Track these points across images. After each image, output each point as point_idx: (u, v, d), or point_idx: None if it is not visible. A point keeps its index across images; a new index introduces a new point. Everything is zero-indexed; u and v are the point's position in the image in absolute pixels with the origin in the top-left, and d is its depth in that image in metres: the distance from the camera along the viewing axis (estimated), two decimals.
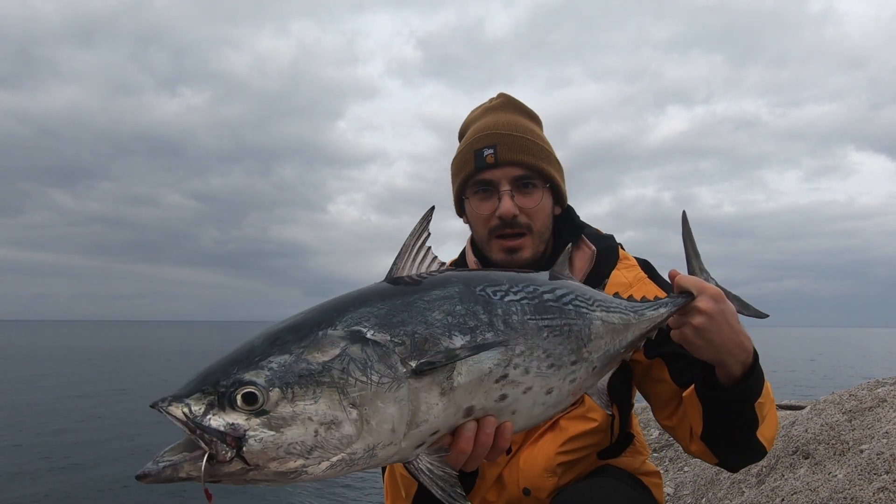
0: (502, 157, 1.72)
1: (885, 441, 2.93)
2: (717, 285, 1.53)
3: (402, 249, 1.22)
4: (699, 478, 4.05)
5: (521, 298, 1.24)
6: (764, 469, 3.46)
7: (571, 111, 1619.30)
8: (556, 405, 1.29)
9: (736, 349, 1.43)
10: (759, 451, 1.58)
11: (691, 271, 1.66)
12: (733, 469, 1.70)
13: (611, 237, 1.90)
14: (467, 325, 1.13)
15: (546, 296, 1.28)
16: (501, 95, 1.91)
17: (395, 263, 1.22)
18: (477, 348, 1.10)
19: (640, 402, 1.97)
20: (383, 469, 1.73)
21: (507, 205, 1.70)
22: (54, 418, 15.37)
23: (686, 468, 4.48)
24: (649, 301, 1.51)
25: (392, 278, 1.21)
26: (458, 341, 1.10)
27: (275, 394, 0.95)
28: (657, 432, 5.37)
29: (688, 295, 1.45)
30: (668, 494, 4.13)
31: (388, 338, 1.05)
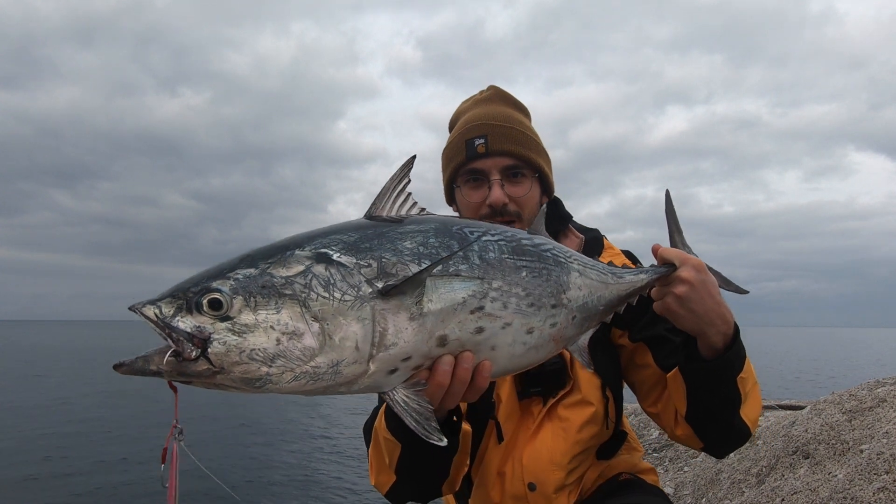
0: (493, 147, 1.76)
1: (885, 441, 2.93)
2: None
3: (381, 191, 1.24)
4: (699, 478, 4.05)
5: (499, 240, 1.26)
6: (764, 469, 3.46)
7: (571, 111, 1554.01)
8: (537, 347, 1.30)
9: (717, 320, 1.45)
10: (742, 432, 1.59)
11: (674, 246, 1.69)
12: (719, 454, 1.73)
13: (596, 230, 1.94)
14: (439, 255, 1.15)
15: (524, 241, 1.32)
16: (491, 88, 1.94)
17: (373, 203, 1.24)
18: (438, 263, 1.12)
19: (634, 403, 1.97)
20: (367, 436, 1.70)
21: (497, 193, 1.74)
22: (55, 419, 15.37)
23: (686, 468, 4.48)
24: (630, 267, 1.55)
25: (369, 216, 1.23)
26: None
27: (238, 301, 1.02)
28: (657, 432, 5.37)
29: (670, 265, 1.48)
30: (669, 494, 4.13)
31: (354, 260, 1.09)
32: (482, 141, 1.77)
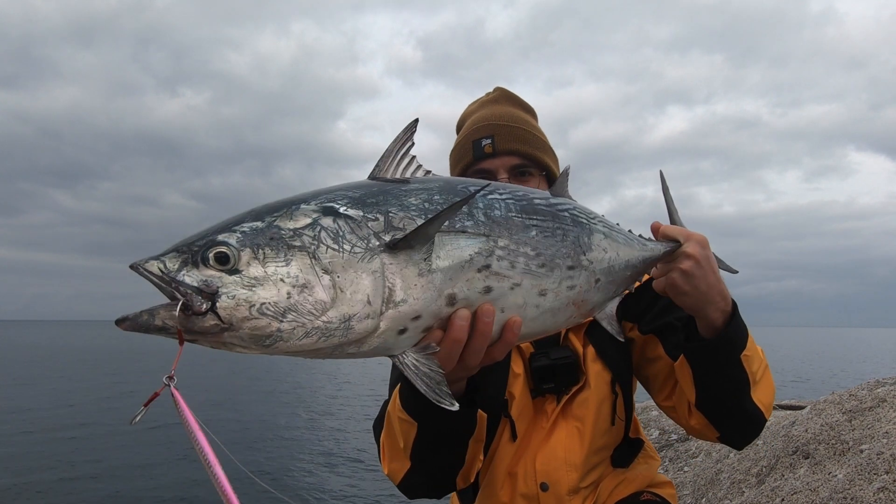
0: (500, 147, 1.78)
1: (885, 441, 2.94)
2: None
3: (384, 153, 1.20)
4: (699, 478, 4.05)
5: (507, 198, 1.22)
6: (764, 469, 3.46)
7: (572, 111, 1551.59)
8: (554, 311, 1.25)
9: (717, 297, 1.45)
10: (757, 418, 1.55)
11: (673, 224, 1.68)
12: (736, 443, 1.68)
13: None
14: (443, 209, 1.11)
15: (537, 200, 1.28)
16: (498, 89, 1.97)
17: (377, 165, 1.20)
18: (449, 211, 1.07)
19: (638, 403, 1.96)
20: (377, 432, 1.65)
21: None
22: (55, 420, 15.36)
23: (686, 468, 4.48)
24: (647, 238, 1.53)
25: (373, 177, 1.20)
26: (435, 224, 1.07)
27: (246, 254, 0.98)
28: (657, 432, 5.37)
29: (675, 242, 1.48)
30: (671, 481, 4.13)
31: (362, 214, 1.05)
32: (489, 141, 1.78)
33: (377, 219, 1.06)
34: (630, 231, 1.52)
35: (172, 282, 0.97)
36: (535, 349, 1.75)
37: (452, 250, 1.09)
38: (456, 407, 1.09)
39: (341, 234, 1.02)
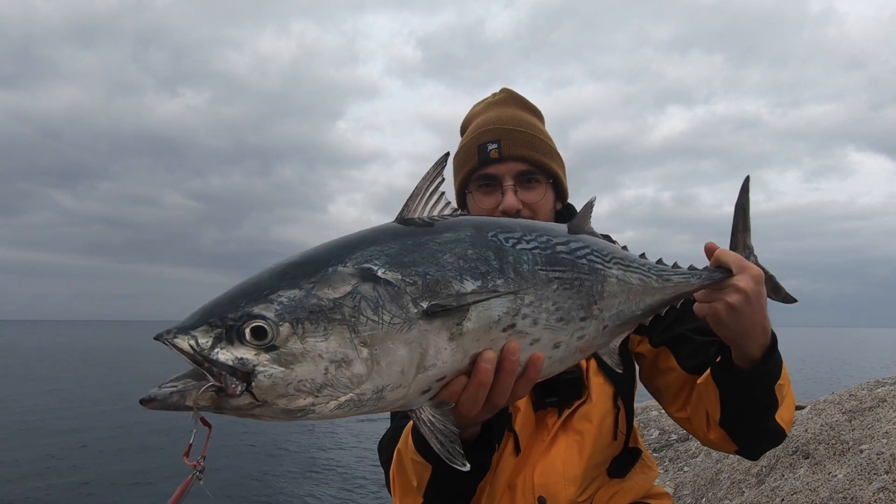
0: (506, 152, 1.72)
1: (885, 441, 2.93)
2: (757, 264, 1.48)
3: (414, 192, 1.18)
4: (699, 478, 4.05)
5: (534, 248, 1.19)
6: (764, 469, 3.46)
7: (572, 111, 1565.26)
8: (562, 360, 1.24)
9: (759, 333, 1.40)
10: (778, 435, 1.53)
11: (734, 246, 1.58)
12: (753, 456, 1.65)
13: (607, 236, 1.86)
14: (479, 269, 1.09)
15: (559, 247, 1.24)
16: (504, 90, 1.90)
17: (406, 205, 1.17)
18: (488, 294, 1.06)
19: (637, 403, 1.95)
20: (386, 466, 1.64)
21: (510, 199, 1.70)
22: (54, 421, 15.33)
23: (686, 468, 4.48)
24: (680, 268, 1.46)
25: (402, 219, 1.16)
26: (469, 286, 1.06)
27: (285, 329, 0.93)
28: (657, 432, 5.37)
29: (726, 271, 1.39)
30: (669, 494, 4.13)
31: (400, 277, 1.02)
32: (495, 146, 1.72)
33: (415, 282, 1.02)
34: (658, 262, 1.45)
35: (206, 361, 0.91)
36: None
37: (483, 311, 1.07)
38: (468, 468, 1.07)
39: (381, 303, 0.99)
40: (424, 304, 1.01)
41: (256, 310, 0.93)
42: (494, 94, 1.92)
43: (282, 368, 0.92)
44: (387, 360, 0.98)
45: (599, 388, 1.71)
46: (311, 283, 0.97)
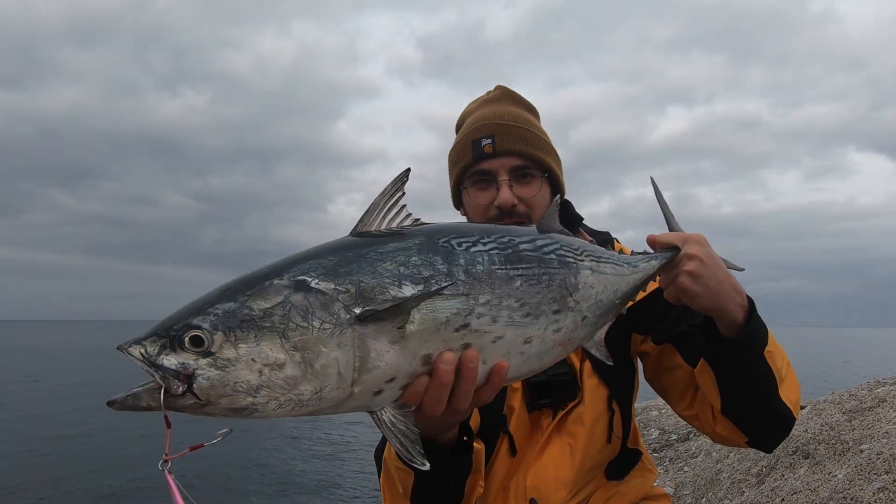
0: (501, 147, 1.71)
1: (885, 441, 2.94)
2: None
3: (370, 206, 1.20)
4: (699, 478, 4.05)
5: (491, 249, 1.21)
6: (764, 469, 3.46)
7: (572, 111, 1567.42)
8: (540, 355, 1.25)
9: (731, 291, 1.40)
10: (785, 416, 1.50)
11: (671, 229, 1.63)
12: (766, 446, 1.63)
13: (607, 233, 1.90)
14: (421, 274, 1.12)
15: (522, 245, 1.26)
16: (499, 87, 1.90)
17: (361, 220, 1.20)
18: (424, 296, 1.08)
19: (637, 403, 1.94)
20: (378, 463, 1.67)
21: (505, 194, 1.70)
22: (54, 423, 15.32)
23: (686, 468, 4.48)
24: (639, 254, 1.50)
25: (356, 232, 1.20)
26: (409, 290, 1.09)
27: (218, 337, 1.03)
28: (657, 432, 5.37)
29: (674, 248, 1.45)
30: (668, 494, 4.13)
31: (333, 286, 1.08)
32: (489, 141, 1.72)
33: (347, 290, 1.07)
34: (621, 253, 1.50)
35: (153, 366, 1.04)
36: None
37: (427, 314, 1.10)
38: (427, 467, 1.11)
39: (311, 310, 1.06)
40: (357, 310, 1.06)
41: (195, 321, 1.04)
42: (489, 92, 1.91)
43: (218, 371, 1.03)
44: (320, 363, 1.04)
45: (593, 391, 1.70)
46: (246, 295, 1.07)
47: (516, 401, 1.71)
